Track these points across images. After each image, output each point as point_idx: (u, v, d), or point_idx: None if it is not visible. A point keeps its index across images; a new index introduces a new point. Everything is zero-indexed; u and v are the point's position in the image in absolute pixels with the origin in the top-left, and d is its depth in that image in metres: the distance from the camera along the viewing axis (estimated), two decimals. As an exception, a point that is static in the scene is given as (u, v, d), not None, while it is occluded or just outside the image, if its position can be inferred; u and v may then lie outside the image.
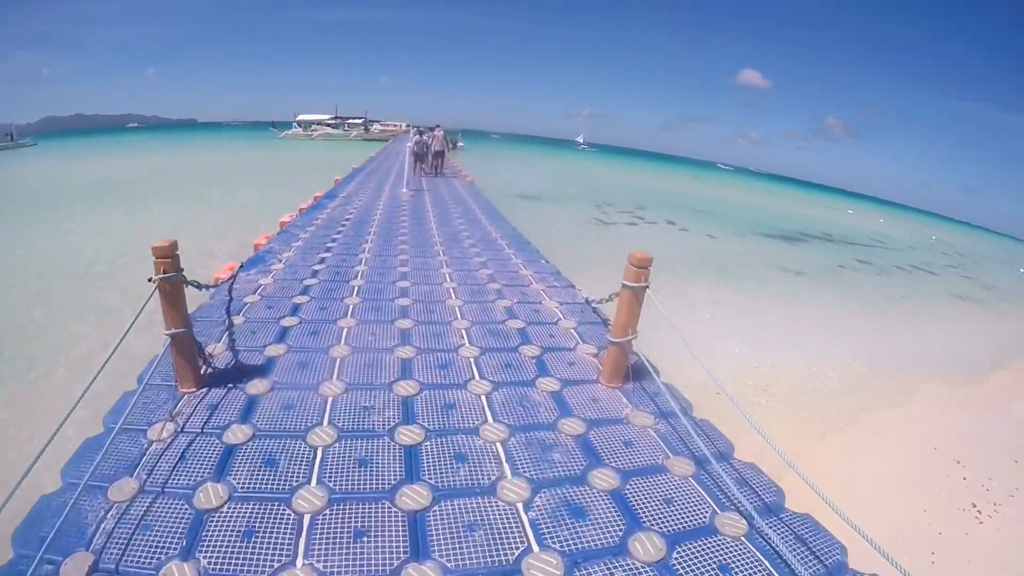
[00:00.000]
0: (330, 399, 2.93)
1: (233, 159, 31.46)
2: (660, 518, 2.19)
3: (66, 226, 12.31)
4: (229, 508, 2.10)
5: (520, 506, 2.20)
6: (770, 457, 2.33)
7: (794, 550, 2.04)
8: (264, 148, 42.28)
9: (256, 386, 3.00)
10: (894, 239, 26.84)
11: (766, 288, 11.58)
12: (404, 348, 3.64)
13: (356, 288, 4.83)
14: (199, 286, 3.22)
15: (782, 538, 2.09)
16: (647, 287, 3.00)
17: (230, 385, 3.00)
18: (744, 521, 2.19)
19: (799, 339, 8.76)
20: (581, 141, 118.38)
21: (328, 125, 57.42)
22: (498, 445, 2.62)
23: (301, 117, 58.98)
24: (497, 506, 2.20)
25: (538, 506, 2.21)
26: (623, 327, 3.10)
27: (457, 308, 4.52)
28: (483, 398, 3.06)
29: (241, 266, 5.10)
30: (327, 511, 2.11)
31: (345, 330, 3.89)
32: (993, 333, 10.79)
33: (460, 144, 48.38)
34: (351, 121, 58.19)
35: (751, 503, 2.28)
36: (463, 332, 4.02)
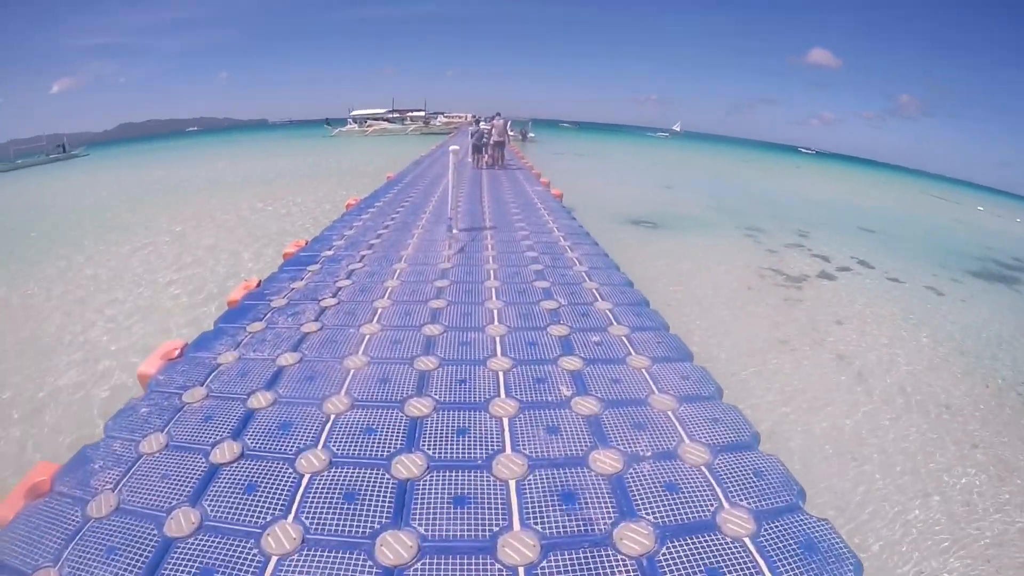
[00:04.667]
0: None
1: (256, 168, 30.40)
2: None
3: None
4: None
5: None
6: None
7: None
8: (307, 149, 42.97)
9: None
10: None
11: None
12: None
13: None
14: None
15: None
16: None
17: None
18: None
19: None
20: (678, 129, 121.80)
21: (385, 119, 59.93)
22: None
23: (355, 112, 62.04)
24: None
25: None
26: None
27: None
28: None
29: None
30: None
31: None
32: None
33: (531, 135, 48.59)
34: (412, 114, 60.49)
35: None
36: None
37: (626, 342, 4.05)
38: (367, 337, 4.09)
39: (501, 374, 3.54)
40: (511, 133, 21.38)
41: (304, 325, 4.34)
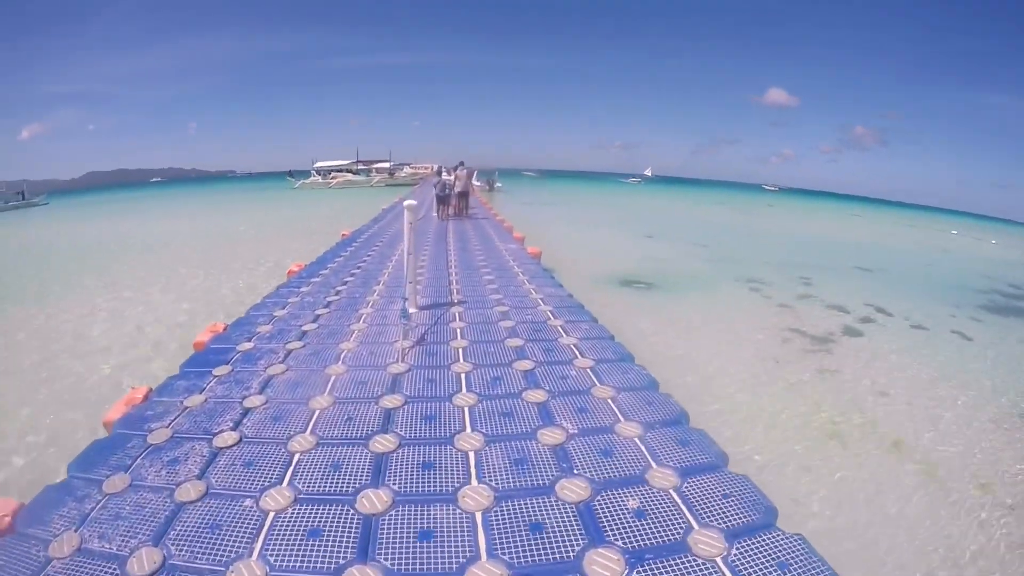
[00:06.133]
0: None
1: (206, 224, 28.89)
2: None
3: None
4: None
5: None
6: None
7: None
8: (266, 203, 41.77)
9: None
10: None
11: None
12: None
13: None
14: None
15: None
16: None
17: None
18: None
19: None
20: (649, 174, 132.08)
21: (349, 171, 59.19)
22: None
23: (319, 164, 61.22)
24: None
25: None
26: None
27: None
28: None
29: None
30: None
31: None
32: None
33: (498, 185, 48.34)
34: (377, 166, 59.77)
35: None
36: None
37: (675, 497, 2.67)
38: (270, 517, 2.59)
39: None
40: (477, 183, 20.69)
41: (180, 489, 2.83)
